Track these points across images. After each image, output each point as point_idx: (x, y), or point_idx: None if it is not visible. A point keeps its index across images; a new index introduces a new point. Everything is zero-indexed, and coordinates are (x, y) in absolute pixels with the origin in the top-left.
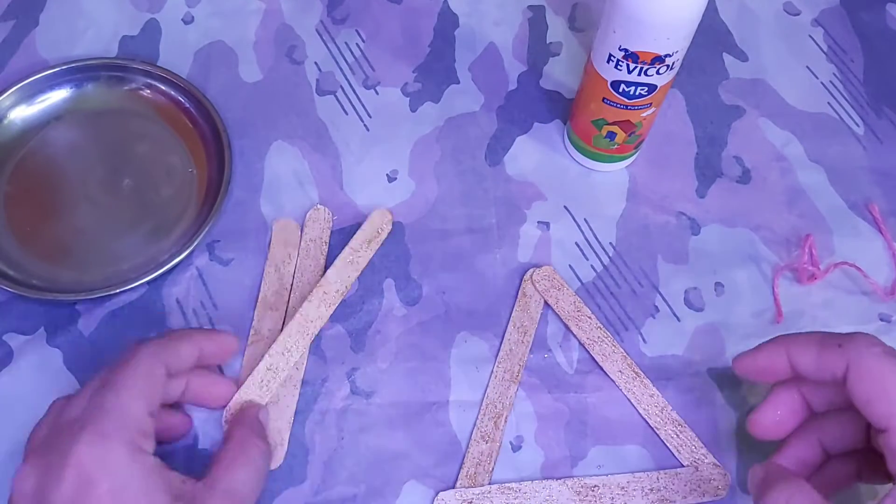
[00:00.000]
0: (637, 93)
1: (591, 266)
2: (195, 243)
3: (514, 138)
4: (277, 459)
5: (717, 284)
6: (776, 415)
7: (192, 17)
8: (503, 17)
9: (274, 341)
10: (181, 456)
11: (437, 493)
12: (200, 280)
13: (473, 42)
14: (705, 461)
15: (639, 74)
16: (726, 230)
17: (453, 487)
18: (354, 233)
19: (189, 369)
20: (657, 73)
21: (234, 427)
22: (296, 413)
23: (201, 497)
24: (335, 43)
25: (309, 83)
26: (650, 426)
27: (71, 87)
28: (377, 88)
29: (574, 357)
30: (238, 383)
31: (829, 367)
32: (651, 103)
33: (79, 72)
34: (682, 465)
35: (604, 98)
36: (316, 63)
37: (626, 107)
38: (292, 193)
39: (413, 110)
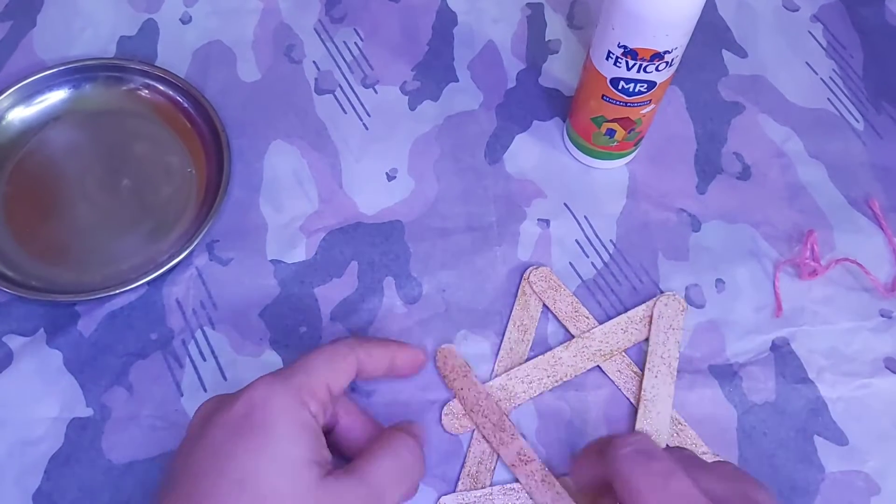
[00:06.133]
0: (636, 90)
1: (592, 263)
2: (195, 243)
3: (514, 136)
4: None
5: (718, 281)
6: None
7: (190, 17)
8: (502, 14)
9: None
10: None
11: (439, 496)
12: (200, 280)
13: (472, 40)
14: (705, 458)
15: (638, 71)
16: (727, 226)
17: (455, 486)
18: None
19: (379, 375)
20: (656, 69)
21: (386, 429)
22: None
23: (335, 476)
24: (333, 42)
25: (307, 82)
26: None
27: (69, 88)
28: (376, 87)
29: None
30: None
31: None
32: (650, 100)
33: (77, 72)
34: None
35: (603, 95)
36: (314, 62)
37: (626, 104)
38: (291, 192)
39: (412, 109)
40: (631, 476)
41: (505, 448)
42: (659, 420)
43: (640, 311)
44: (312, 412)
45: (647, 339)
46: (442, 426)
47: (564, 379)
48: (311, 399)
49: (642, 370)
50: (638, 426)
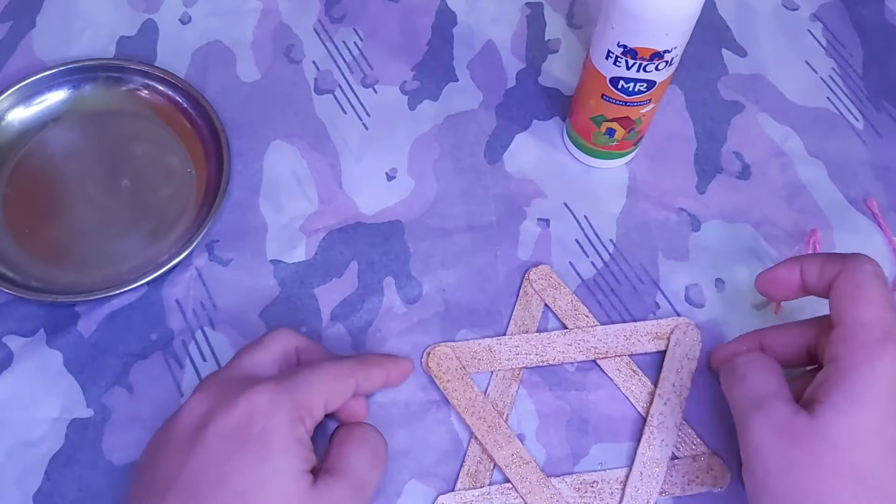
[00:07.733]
0: (636, 89)
1: (592, 263)
2: (194, 243)
3: (514, 136)
4: None
5: (718, 280)
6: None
7: (190, 18)
8: (501, 14)
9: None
10: None
11: (438, 495)
12: (200, 280)
13: (472, 40)
14: (703, 457)
15: (637, 71)
16: (726, 226)
17: (454, 486)
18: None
19: (373, 391)
20: (656, 69)
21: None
22: None
23: (323, 481)
24: (333, 42)
25: (307, 82)
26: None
27: (69, 89)
28: (375, 87)
29: None
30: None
31: (827, 276)
32: (650, 99)
33: (76, 73)
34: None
35: (603, 95)
36: (314, 62)
37: (626, 103)
38: (291, 193)
39: (412, 109)
40: (863, 285)
41: (499, 450)
42: (661, 449)
43: (649, 325)
44: (307, 428)
45: (647, 353)
46: (422, 365)
47: (551, 362)
48: (308, 416)
49: (654, 385)
50: (639, 453)
